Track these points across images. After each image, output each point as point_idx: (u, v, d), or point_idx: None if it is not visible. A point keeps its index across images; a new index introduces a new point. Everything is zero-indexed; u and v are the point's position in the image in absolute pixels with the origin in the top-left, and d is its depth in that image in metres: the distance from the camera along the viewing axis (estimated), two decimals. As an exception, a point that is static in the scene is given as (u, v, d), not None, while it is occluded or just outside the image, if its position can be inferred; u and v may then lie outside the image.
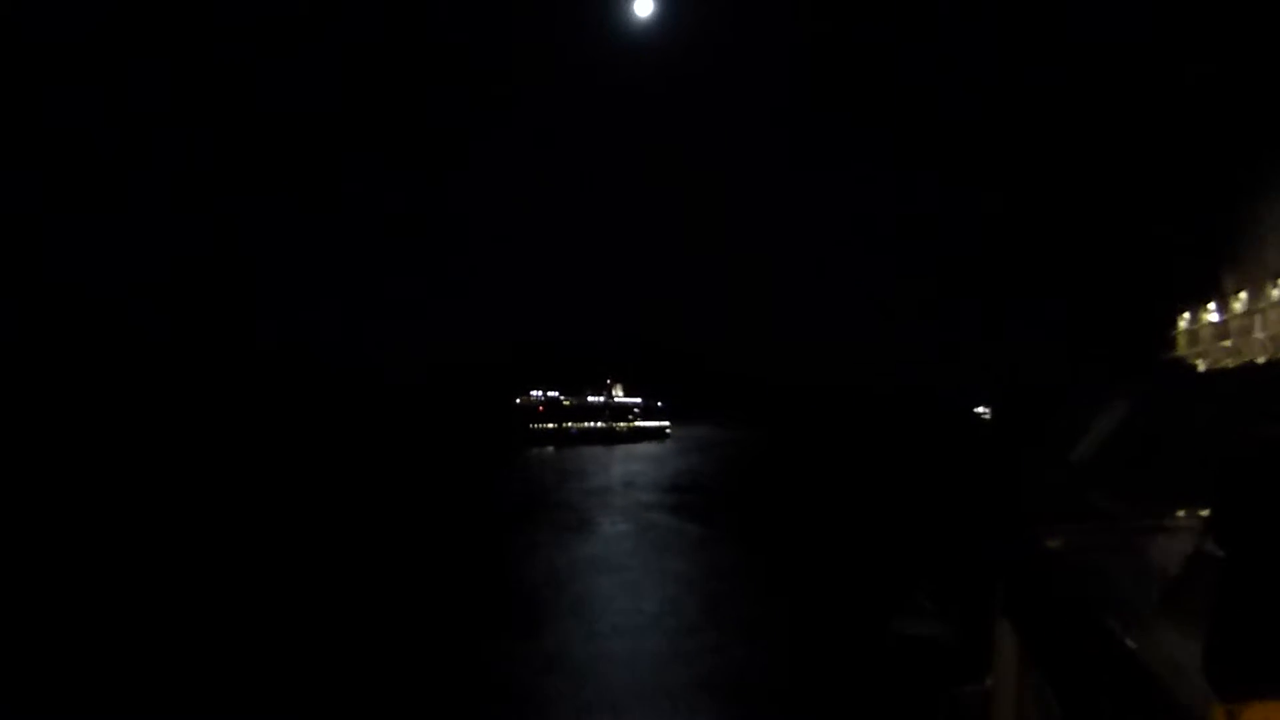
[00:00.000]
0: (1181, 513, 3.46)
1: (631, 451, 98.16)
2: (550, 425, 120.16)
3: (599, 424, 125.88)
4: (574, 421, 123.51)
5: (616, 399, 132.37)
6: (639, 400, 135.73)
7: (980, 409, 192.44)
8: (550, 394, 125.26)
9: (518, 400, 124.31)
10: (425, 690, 15.31)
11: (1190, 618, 2.63)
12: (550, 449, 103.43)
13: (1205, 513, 2.81)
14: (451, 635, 18.95)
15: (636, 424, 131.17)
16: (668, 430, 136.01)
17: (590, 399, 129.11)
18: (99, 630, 19.10)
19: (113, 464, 61.97)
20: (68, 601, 21.56)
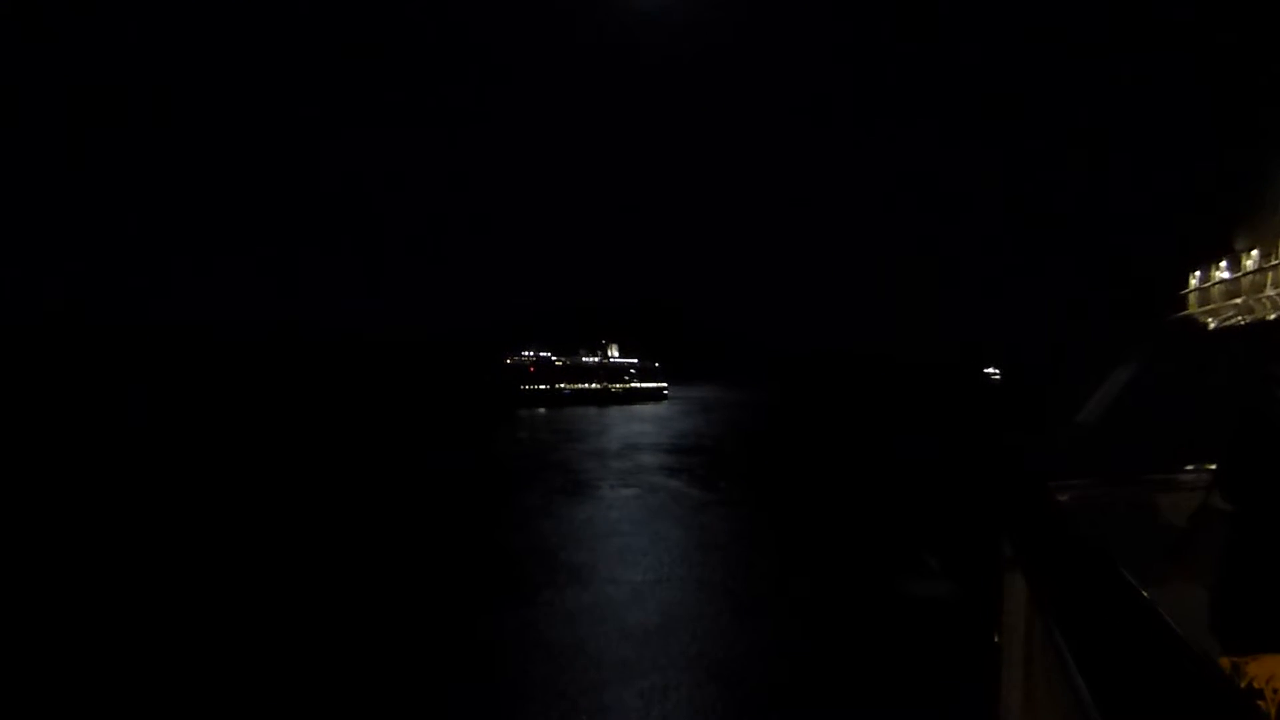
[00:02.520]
0: (1190, 468, 3.57)
1: (632, 413, 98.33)
2: (542, 386, 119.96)
3: (593, 385, 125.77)
4: (567, 382, 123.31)
5: (612, 359, 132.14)
6: (635, 360, 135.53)
7: (990, 370, 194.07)
8: (542, 354, 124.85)
9: (508, 360, 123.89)
10: (390, 667, 15.22)
11: (1197, 571, 2.74)
12: (541, 410, 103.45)
13: (1212, 468, 2.90)
14: (426, 608, 18.82)
15: (632, 385, 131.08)
16: (665, 391, 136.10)
17: (584, 359, 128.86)
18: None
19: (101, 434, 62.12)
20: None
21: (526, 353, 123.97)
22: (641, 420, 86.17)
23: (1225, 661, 2.59)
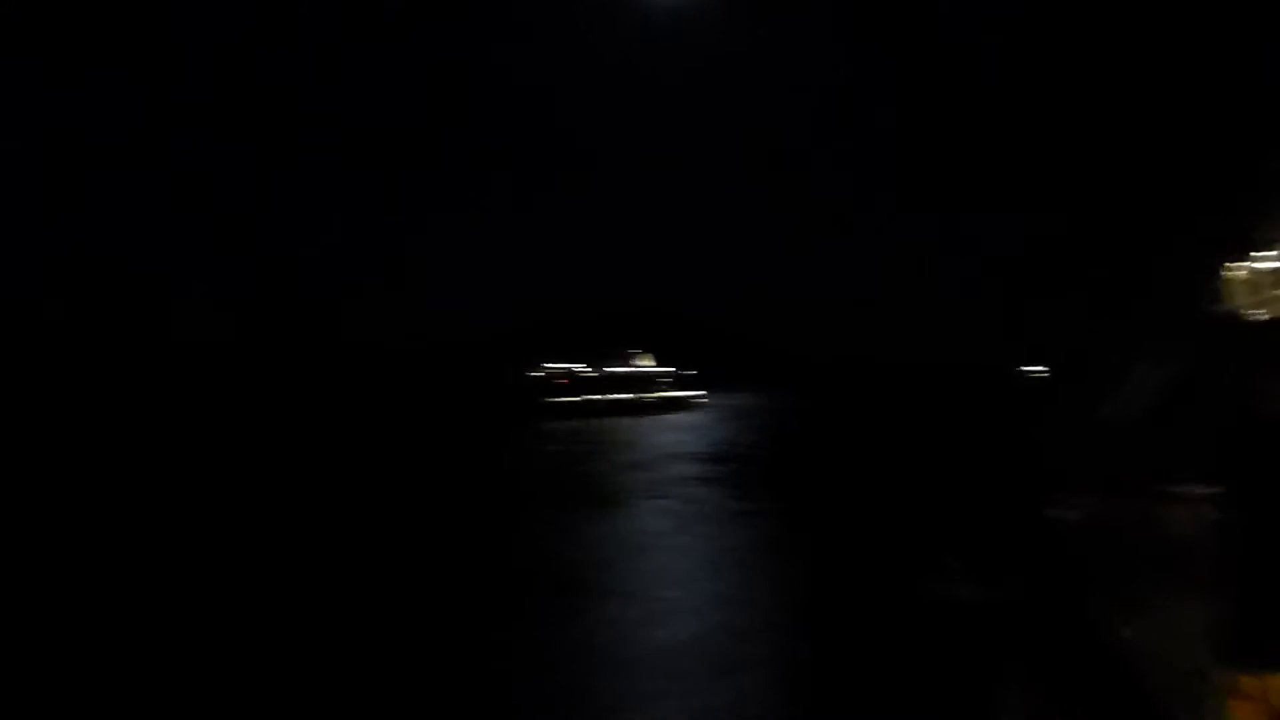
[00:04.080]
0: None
1: (666, 422, 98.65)
2: (571, 398, 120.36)
3: (625, 395, 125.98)
4: (597, 393, 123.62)
5: (643, 368, 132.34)
6: (668, 369, 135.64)
7: (1032, 367, 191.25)
8: (571, 366, 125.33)
9: (534, 373, 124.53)
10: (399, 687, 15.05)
11: (1213, 587, 2.68)
12: (571, 423, 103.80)
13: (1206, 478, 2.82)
14: (445, 630, 18.45)
15: (666, 394, 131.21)
16: (701, 400, 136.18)
17: (615, 369, 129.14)
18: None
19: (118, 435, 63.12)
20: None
21: (554, 364, 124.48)
22: (676, 429, 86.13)
23: (1247, 680, 2.53)
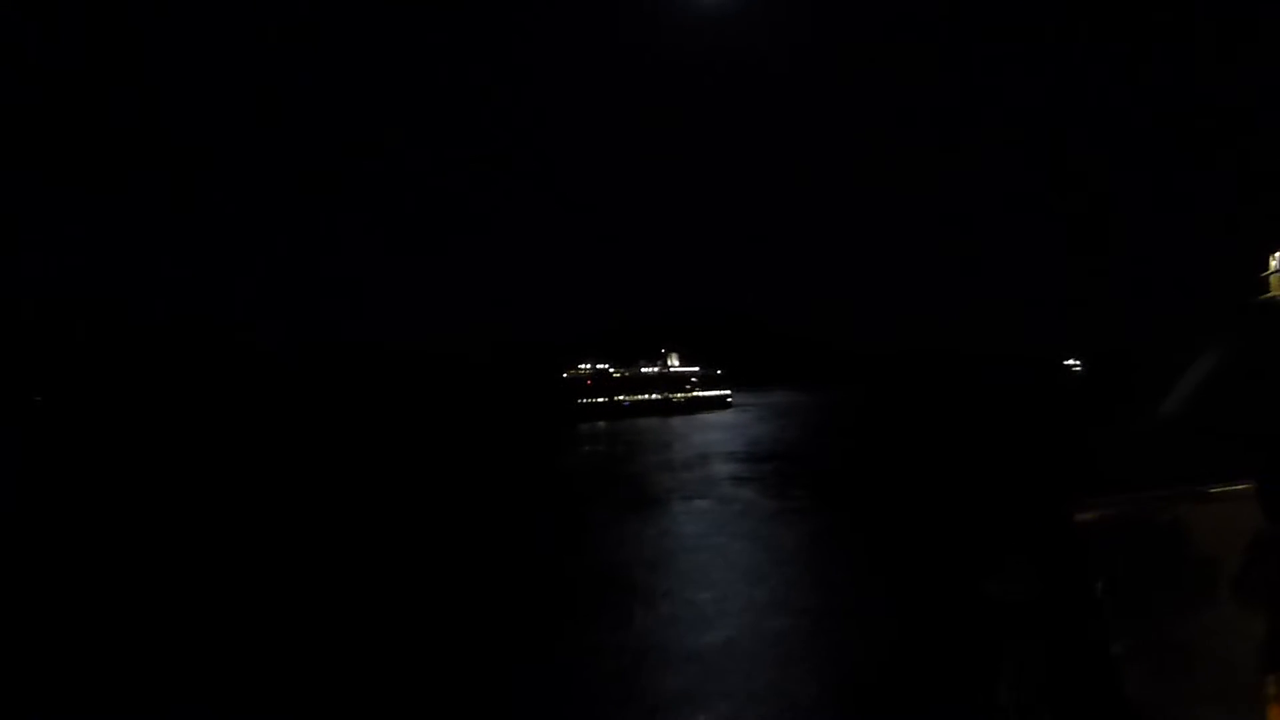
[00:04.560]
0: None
1: (700, 422, 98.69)
2: (600, 399, 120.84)
3: (653, 395, 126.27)
4: (626, 394, 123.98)
5: (672, 368, 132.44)
6: (696, 369, 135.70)
7: (1071, 361, 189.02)
8: (599, 366, 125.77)
9: (564, 374, 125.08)
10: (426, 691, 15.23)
11: (1254, 598, 2.70)
12: (602, 424, 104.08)
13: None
14: (478, 629, 18.76)
15: (695, 394, 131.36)
16: (729, 399, 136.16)
17: (643, 369, 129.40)
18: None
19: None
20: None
21: (583, 365, 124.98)
22: (712, 429, 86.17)
23: None
